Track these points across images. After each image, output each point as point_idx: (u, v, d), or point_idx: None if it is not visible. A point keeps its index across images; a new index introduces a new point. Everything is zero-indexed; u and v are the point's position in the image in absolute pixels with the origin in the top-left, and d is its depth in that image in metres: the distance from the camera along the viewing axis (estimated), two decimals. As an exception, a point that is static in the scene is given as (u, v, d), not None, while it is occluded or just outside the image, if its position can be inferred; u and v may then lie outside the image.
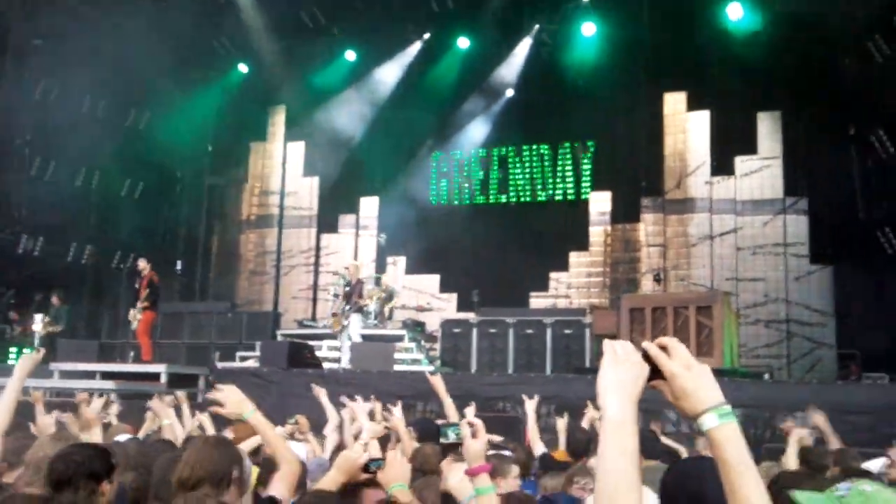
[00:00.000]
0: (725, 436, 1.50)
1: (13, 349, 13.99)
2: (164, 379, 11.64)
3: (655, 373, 1.59)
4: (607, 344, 1.59)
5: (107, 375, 11.86)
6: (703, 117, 17.45)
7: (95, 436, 4.88)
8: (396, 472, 2.97)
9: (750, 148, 16.98)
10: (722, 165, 17.14)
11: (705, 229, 17.00)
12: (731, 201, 16.96)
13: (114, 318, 15.65)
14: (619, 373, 1.54)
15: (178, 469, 2.87)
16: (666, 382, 1.58)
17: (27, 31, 16.17)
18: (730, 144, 17.05)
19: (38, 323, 14.11)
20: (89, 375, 11.87)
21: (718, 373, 9.83)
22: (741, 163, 17.03)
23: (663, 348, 1.62)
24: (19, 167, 16.84)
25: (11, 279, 16.33)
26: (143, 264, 12.92)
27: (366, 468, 2.96)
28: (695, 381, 1.55)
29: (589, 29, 17.74)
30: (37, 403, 6.14)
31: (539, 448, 5.94)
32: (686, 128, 17.56)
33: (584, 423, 6.72)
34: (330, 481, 2.97)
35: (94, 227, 18.01)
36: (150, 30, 16.38)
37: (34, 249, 16.68)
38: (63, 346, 12.93)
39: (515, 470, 4.20)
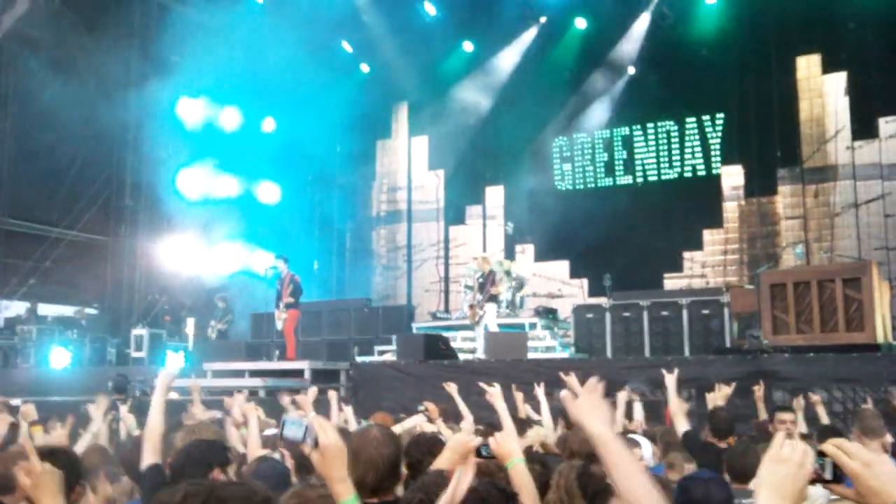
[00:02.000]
0: None
1: (168, 352, 14.93)
2: (307, 375, 12.10)
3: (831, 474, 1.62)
4: (778, 442, 1.61)
5: (254, 374, 12.46)
6: (840, 79, 16.54)
7: (252, 430, 5.13)
8: (508, 449, 3.02)
9: (894, 108, 15.94)
10: (864, 128, 16.20)
11: (849, 197, 16.11)
12: (876, 166, 16.00)
13: (258, 319, 16.39)
14: (778, 472, 1.57)
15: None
16: (836, 486, 1.60)
17: (165, 49, 17.13)
18: (871, 105, 16.07)
19: (191, 326, 15.04)
20: (238, 374, 12.49)
21: (872, 348, 9.36)
22: (885, 124, 16.03)
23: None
24: (165, 179, 17.89)
25: (164, 286, 17.41)
26: (281, 265, 13.43)
27: (478, 453, 3.00)
28: (878, 477, 1.56)
29: (711, -3, 17.14)
30: (194, 393, 6.52)
31: (682, 426, 5.66)
32: (823, 91, 16.69)
33: (720, 401, 6.53)
34: (445, 461, 3.03)
35: (236, 231, 18.90)
36: (275, 39, 17.03)
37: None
38: (213, 346, 13.67)
39: (637, 453, 4.14)
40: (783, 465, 1.57)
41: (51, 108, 15.29)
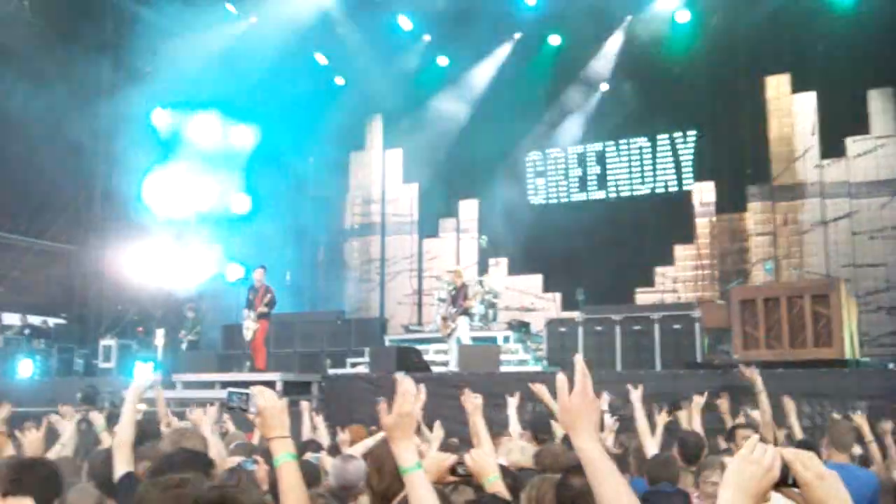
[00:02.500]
0: None
1: (137, 362, 14.74)
2: (279, 387, 12.00)
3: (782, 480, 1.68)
4: (749, 444, 1.68)
5: (225, 384, 12.32)
6: (809, 99, 16.83)
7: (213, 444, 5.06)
8: (485, 466, 3.00)
9: (862, 128, 16.26)
10: (832, 148, 16.48)
11: (817, 215, 16.37)
12: (843, 184, 16.28)
13: (229, 330, 16.25)
14: (744, 473, 1.64)
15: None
16: (790, 490, 1.67)
17: (138, 59, 17.00)
18: (839, 125, 16.36)
19: (160, 337, 14.87)
20: (209, 386, 12.36)
21: (840, 363, 9.46)
22: (853, 143, 16.33)
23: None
24: (135, 189, 17.70)
25: (133, 297, 17.21)
26: (259, 275, 13.32)
27: (453, 471, 2.98)
28: (827, 490, 1.63)
29: (683, 16, 17.38)
30: (159, 404, 6.42)
31: (650, 447, 5.59)
32: (792, 111, 16.97)
33: (688, 417, 6.56)
34: None
35: (206, 241, 18.73)
36: (248, 50, 16.98)
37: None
38: (184, 357, 13.53)
39: None
40: (752, 465, 1.63)
41: (20, 116, 15.08)
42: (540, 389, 6.20)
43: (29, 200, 15.97)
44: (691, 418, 6.67)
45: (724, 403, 7.25)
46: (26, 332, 14.99)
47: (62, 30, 16.32)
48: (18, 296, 15.90)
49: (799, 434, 6.84)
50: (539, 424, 6.19)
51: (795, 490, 1.65)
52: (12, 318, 15.35)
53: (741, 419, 7.69)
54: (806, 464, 1.66)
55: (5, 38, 15.74)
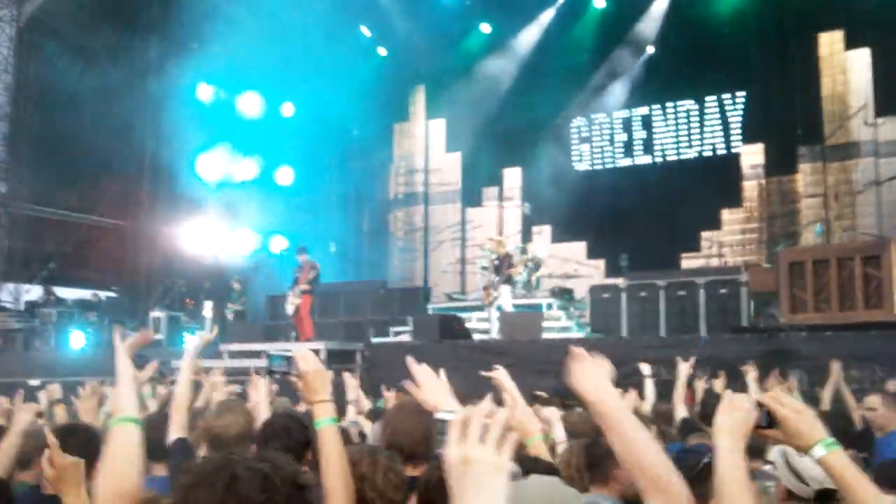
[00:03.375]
0: (833, 460, 1.88)
1: (187, 334, 15.05)
2: (323, 356, 12.12)
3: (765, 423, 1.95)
4: (728, 396, 1.95)
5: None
6: (863, 55, 16.25)
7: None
8: (527, 426, 3.00)
9: (918, 83, 15.64)
10: (887, 105, 15.93)
11: (871, 175, 15.86)
12: (898, 143, 15.74)
13: (275, 301, 16.48)
14: (732, 418, 1.89)
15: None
16: (772, 431, 1.93)
17: (185, 36, 17.18)
18: (894, 82, 15.76)
19: (209, 309, 15.15)
20: (255, 355, 12.54)
21: (891, 325, 9.17)
22: (908, 100, 15.74)
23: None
24: (183, 164, 17.99)
25: (181, 269, 17.55)
26: (302, 257, 13.47)
27: None
28: (804, 422, 1.90)
29: (731, -28, 16.90)
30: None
31: (681, 412, 5.69)
32: (845, 68, 16.43)
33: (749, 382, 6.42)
34: None
35: (253, 214, 18.99)
36: (293, 24, 17.02)
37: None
38: (231, 327, 13.77)
39: None
40: (736, 412, 1.89)
41: (71, 94, 15.39)
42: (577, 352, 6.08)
43: (81, 177, 16.31)
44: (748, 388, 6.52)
45: (750, 371, 7.02)
46: (77, 305, 15.39)
47: (110, 9, 16.54)
48: (71, 271, 16.32)
49: (827, 404, 6.60)
50: (565, 390, 6.12)
51: (774, 429, 1.92)
52: (65, 292, 15.76)
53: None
54: (781, 401, 1.93)
55: (56, 18, 16.04)
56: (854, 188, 16.02)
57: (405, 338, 13.38)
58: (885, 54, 15.86)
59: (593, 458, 3.28)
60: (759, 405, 1.93)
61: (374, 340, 13.39)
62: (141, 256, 17.38)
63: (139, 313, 16.13)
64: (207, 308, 15.40)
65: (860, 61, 16.27)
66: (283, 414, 3.84)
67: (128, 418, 2.20)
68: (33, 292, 15.65)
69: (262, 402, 5.08)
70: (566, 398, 6.03)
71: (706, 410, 5.25)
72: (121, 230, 17.42)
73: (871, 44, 16.11)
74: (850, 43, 16.37)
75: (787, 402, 1.94)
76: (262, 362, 11.94)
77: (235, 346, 12.79)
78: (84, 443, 3.09)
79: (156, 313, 15.26)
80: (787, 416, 1.91)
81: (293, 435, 3.30)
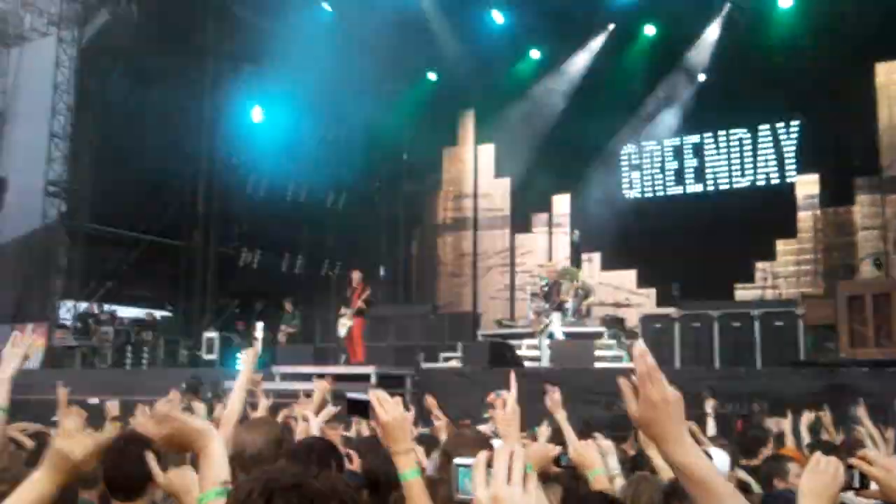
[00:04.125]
0: None
1: (239, 356, 15.20)
2: (373, 380, 12.16)
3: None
4: (815, 458, 1.92)
5: (321, 377, 12.55)
6: (922, 85, 15.98)
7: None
8: (589, 458, 2.97)
9: (979, 115, 15.35)
10: (947, 136, 15.62)
11: (930, 207, 15.56)
12: (959, 175, 15.43)
13: (326, 323, 16.59)
14: (818, 481, 1.87)
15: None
16: (864, 491, 1.95)
17: (239, 58, 17.52)
18: (956, 112, 15.51)
19: (260, 330, 15.31)
20: (306, 378, 12.62)
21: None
22: (971, 131, 15.44)
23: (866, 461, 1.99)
24: (237, 186, 18.32)
25: (234, 290, 17.79)
26: (356, 277, 13.54)
27: (557, 462, 2.96)
28: None
29: (786, 1, 16.76)
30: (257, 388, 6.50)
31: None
32: (901, 99, 16.15)
33: (802, 426, 6.31)
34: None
35: (304, 238, 19.21)
36: (344, 48, 17.27)
37: (252, 262, 18.06)
38: (282, 350, 13.89)
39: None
40: (821, 475, 1.88)
41: (130, 114, 15.77)
42: (625, 384, 6.01)
43: (138, 196, 16.63)
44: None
45: (825, 416, 6.88)
46: (133, 325, 15.66)
47: (167, 31, 16.95)
48: (127, 289, 16.63)
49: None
50: (618, 423, 6.12)
51: (869, 489, 1.94)
52: (122, 311, 16.06)
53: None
54: (871, 461, 1.95)
55: (115, 40, 16.48)
56: (912, 220, 15.73)
57: (455, 363, 13.37)
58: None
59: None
60: (851, 467, 1.95)
61: (424, 365, 13.41)
62: (195, 277, 17.65)
63: (193, 333, 16.36)
64: (259, 329, 15.57)
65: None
66: (314, 437, 3.83)
67: (416, 472, 2.22)
68: (91, 310, 15.96)
69: (311, 422, 5.12)
70: (617, 431, 5.99)
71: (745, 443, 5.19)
72: (176, 250, 17.73)
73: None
74: (909, 72, 16.13)
75: (876, 460, 1.96)
76: (310, 385, 12.03)
77: (287, 369, 12.88)
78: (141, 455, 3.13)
79: (209, 333, 15.45)
80: (879, 476, 1.93)
81: (324, 459, 3.31)
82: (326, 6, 18.72)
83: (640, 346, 1.53)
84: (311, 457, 3.25)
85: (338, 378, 12.71)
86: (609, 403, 10.43)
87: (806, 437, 6.22)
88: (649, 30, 18.54)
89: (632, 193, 19.38)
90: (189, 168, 17.93)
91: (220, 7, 18.28)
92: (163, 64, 16.72)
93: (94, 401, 9.70)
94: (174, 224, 17.44)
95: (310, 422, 5.24)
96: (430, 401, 7.79)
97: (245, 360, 4.12)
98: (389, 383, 12.12)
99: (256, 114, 18.92)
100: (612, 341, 14.07)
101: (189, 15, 17.73)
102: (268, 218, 18.24)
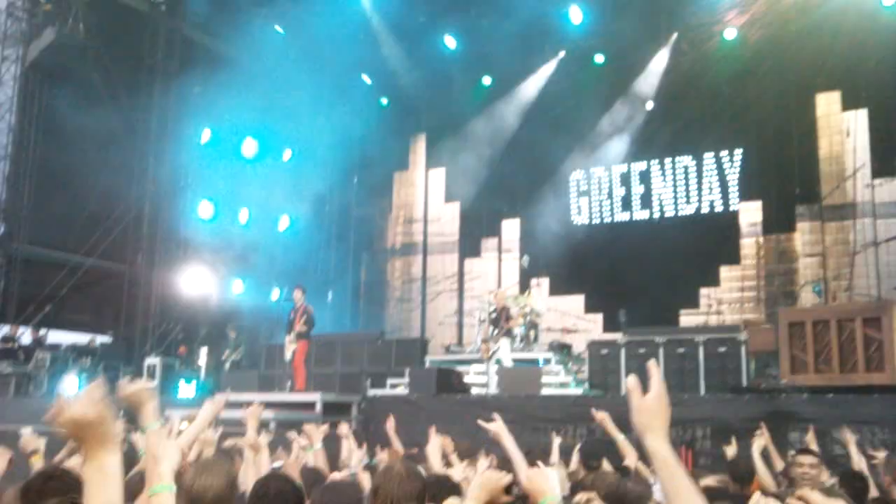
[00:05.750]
0: None
1: (181, 381, 14.89)
2: (318, 407, 12.00)
3: None
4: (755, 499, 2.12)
5: (265, 405, 12.34)
6: (860, 116, 16.43)
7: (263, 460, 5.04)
8: (541, 486, 2.91)
9: (915, 146, 15.82)
10: (884, 166, 16.07)
11: (868, 235, 15.93)
12: (895, 204, 15.84)
13: (271, 349, 16.37)
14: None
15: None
16: None
17: (188, 80, 17.32)
18: (891, 143, 15.95)
19: (203, 356, 15.02)
20: (249, 405, 12.40)
21: (893, 389, 9.15)
22: (905, 162, 15.89)
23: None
24: (184, 208, 18.03)
25: (179, 315, 17.43)
26: (297, 295, 13.39)
27: (508, 490, 2.90)
28: None
29: (730, 32, 17.15)
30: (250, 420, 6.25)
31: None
32: (842, 129, 16.58)
33: (755, 452, 6.35)
34: (473, 500, 2.93)
35: (251, 262, 18.96)
36: (295, 71, 17.20)
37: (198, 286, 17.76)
38: (226, 377, 13.63)
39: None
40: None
41: (74, 135, 15.44)
42: (604, 417, 6.03)
43: (80, 219, 16.27)
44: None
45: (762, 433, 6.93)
46: (72, 350, 15.23)
47: (115, 51, 16.69)
48: (67, 314, 16.19)
49: (858, 465, 6.46)
50: (592, 451, 6.13)
51: None
52: (61, 336, 15.61)
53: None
54: (809, 500, 2.02)
55: (62, 60, 16.18)
56: (851, 248, 16.08)
57: (402, 390, 13.26)
58: (882, 116, 16.06)
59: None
60: None
61: (371, 392, 13.27)
62: (138, 301, 17.27)
63: (134, 359, 15.99)
64: (202, 355, 15.28)
65: (857, 122, 16.44)
66: (277, 476, 3.72)
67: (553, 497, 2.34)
68: (27, 335, 15.48)
69: (262, 455, 4.99)
70: (591, 459, 5.98)
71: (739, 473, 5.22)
72: (118, 274, 17.34)
73: (869, 105, 16.30)
74: (848, 104, 16.56)
75: (817, 501, 2.02)
76: (257, 409, 11.79)
77: (231, 396, 12.63)
78: (66, 490, 2.97)
79: (151, 360, 15.10)
80: None
81: (288, 500, 3.20)
82: (279, 28, 18.67)
83: (652, 361, 2.04)
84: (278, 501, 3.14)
85: (282, 406, 12.52)
86: (558, 429, 10.44)
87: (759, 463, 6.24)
88: (599, 58, 18.81)
89: (580, 219, 19.54)
90: (135, 190, 17.61)
91: (171, 28, 18.09)
92: (109, 84, 16.44)
93: (26, 431, 9.35)
94: (118, 247, 17.06)
95: (260, 454, 5.11)
96: (390, 424, 7.67)
97: (206, 411, 3.95)
98: (336, 411, 11.97)
99: (206, 135, 18.69)
100: (560, 367, 14.08)
101: (138, 35, 17.51)
102: (213, 242, 17.97)
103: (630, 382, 1.94)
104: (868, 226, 15.99)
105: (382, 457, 6.99)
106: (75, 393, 1.85)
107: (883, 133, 16.05)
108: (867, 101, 16.29)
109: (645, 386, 1.96)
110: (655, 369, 1.97)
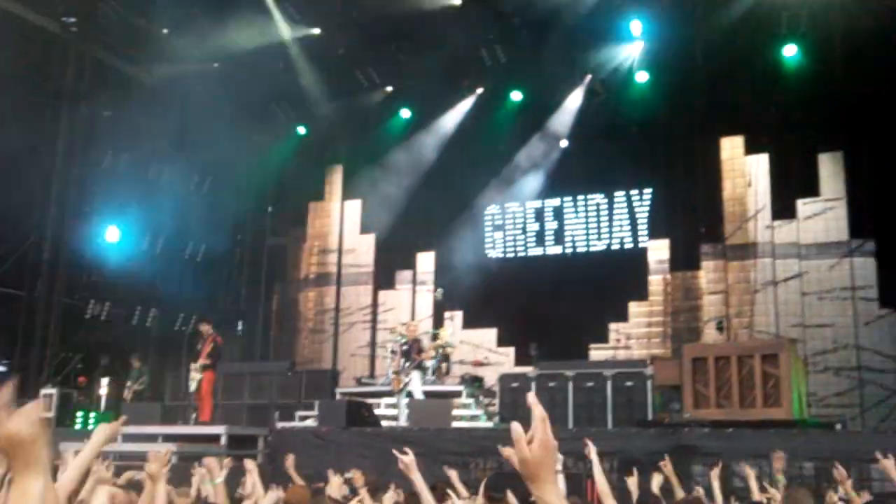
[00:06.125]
0: None
1: (80, 413, 14.31)
2: (223, 440, 11.71)
3: None
4: None
5: (168, 438, 11.99)
6: (761, 160, 17.15)
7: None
8: None
9: (812, 190, 16.60)
10: (783, 209, 16.79)
11: (768, 275, 16.58)
12: (794, 245, 16.55)
13: (177, 380, 15.90)
14: None
15: None
16: None
17: (97, 104, 16.85)
18: (791, 187, 16.71)
19: (104, 387, 14.48)
20: (152, 438, 12.01)
21: (789, 424, 9.51)
22: (803, 205, 16.65)
23: None
24: (89, 234, 17.43)
25: (79, 344, 16.77)
26: (205, 328, 13.13)
27: None
28: None
29: (642, 76, 17.74)
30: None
31: None
32: (745, 172, 17.27)
33: (654, 486, 6.46)
34: None
35: (158, 290, 18.45)
36: (210, 97, 16.93)
37: (101, 314, 17.15)
38: (127, 408, 13.16)
39: None
40: None
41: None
42: (510, 454, 6.01)
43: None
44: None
45: (666, 465, 7.11)
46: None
47: (21, 73, 16.13)
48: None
49: (758, 497, 6.66)
50: (496, 485, 6.12)
51: None
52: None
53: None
54: None
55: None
56: (752, 287, 16.69)
57: (311, 423, 13.05)
58: (781, 161, 16.81)
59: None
60: None
61: (279, 425, 13.02)
62: (35, 329, 16.54)
63: (30, 389, 15.27)
64: (103, 385, 14.73)
65: (759, 166, 17.14)
66: None
67: None
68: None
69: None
70: (494, 491, 5.96)
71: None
72: (16, 300, 16.60)
73: (770, 150, 17.04)
74: (751, 148, 17.26)
75: None
76: (157, 447, 11.43)
77: (131, 429, 12.20)
78: None
79: (47, 390, 14.46)
80: None
81: None
82: (195, 54, 18.36)
83: (532, 394, 1.74)
84: None
85: (186, 439, 12.17)
86: (466, 463, 10.43)
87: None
88: (516, 95, 19.16)
89: (494, 253, 19.74)
90: (37, 215, 16.94)
91: (82, 50, 17.58)
92: (13, 106, 15.84)
93: None
94: (17, 273, 16.35)
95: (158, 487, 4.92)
96: (290, 462, 7.54)
97: (98, 433, 3.75)
98: (241, 444, 11.70)
99: (115, 160, 18.14)
100: (471, 400, 14.11)
101: (46, 56, 16.97)
102: (120, 268, 17.40)
103: (514, 430, 1.71)
104: (768, 265, 16.63)
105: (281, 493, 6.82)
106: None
107: (782, 177, 16.79)
108: (768, 146, 17.02)
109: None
110: (537, 407, 1.72)
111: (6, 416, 1.64)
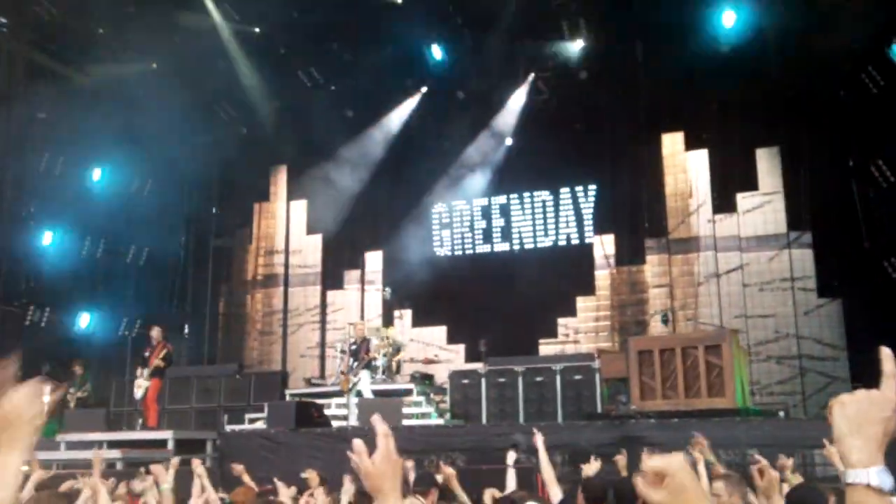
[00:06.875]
0: None
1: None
2: (170, 445, 11.53)
3: None
4: None
5: (114, 444, 11.77)
6: (701, 156, 17.51)
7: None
8: None
9: (750, 184, 17.00)
10: (723, 203, 17.16)
11: (711, 267, 16.94)
12: (734, 238, 16.93)
13: (122, 386, 15.59)
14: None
15: None
16: None
17: (32, 105, 16.40)
18: (730, 182, 17.09)
19: (46, 395, 14.11)
20: (95, 445, 11.76)
21: (732, 412, 9.71)
22: (742, 199, 17.05)
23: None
24: (28, 239, 16.97)
25: (18, 351, 16.31)
26: (155, 334, 12.90)
27: None
28: None
29: (583, 74, 17.92)
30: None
31: (556, 495, 5.71)
32: (686, 167, 17.61)
33: (592, 471, 6.57)
34: None
35: (100, 295, 18.05)
36: (149, 98, 16.61)
37: (42, 320, 16.72)
38: (70, 416, 12.88)
39: None
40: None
41: None
42: (359, 443, 6.04)
43: None
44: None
45: (621, 459, 7.25)
46: None
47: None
48: None
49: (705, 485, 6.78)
50: (423, 479, 6.21)
51: None
52: None
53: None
54: None
55: None
56: (696, 280, 17.03)
57: (260, 425, 12.93)
58: (721, 156, 17.18)
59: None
60: None
61: (228, 428, 12.87)
62: (-27, 337, 16.05)
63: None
64: (45, 394, 14.36)
65: (699, 161, 17.49)
66: None
67: None
68: None
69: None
70: (423, 484, 6.02)
71: (591, 492, 5.32)
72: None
73: (709, 145, 17.41)
74: (691, 144, 17.61)
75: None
76: (102, 454, 11.19)
77: (74, 437, 11.95)
78: None
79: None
80: None
81: None
82: (135, 54, 17.98)
83: (376, 415, 1.82)
84: None
85: (133, 445, 11.95)
86: (418, 461, 10.44)
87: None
88: (460, 94, 19.19)
89: (442, 251, 19.77)
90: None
91: (13, 50, 17.08)
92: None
93: None
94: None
95: (99, 497, 4.85)
96: (238, 469, 7.49)
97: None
98: (189, 448, 11.53)
99: (50, 165, 17.66)
100: (422, 398, 14.13)
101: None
102: (61, 273, 16.98)
103: (355, 446, 1.77)
104: (710, 258, 16.99)
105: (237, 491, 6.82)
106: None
107: (722, 172, 17.16)
108: (707, 142, 17.38)
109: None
110: (380, 425, 1.78)
111: (7, 390, 1.63)
